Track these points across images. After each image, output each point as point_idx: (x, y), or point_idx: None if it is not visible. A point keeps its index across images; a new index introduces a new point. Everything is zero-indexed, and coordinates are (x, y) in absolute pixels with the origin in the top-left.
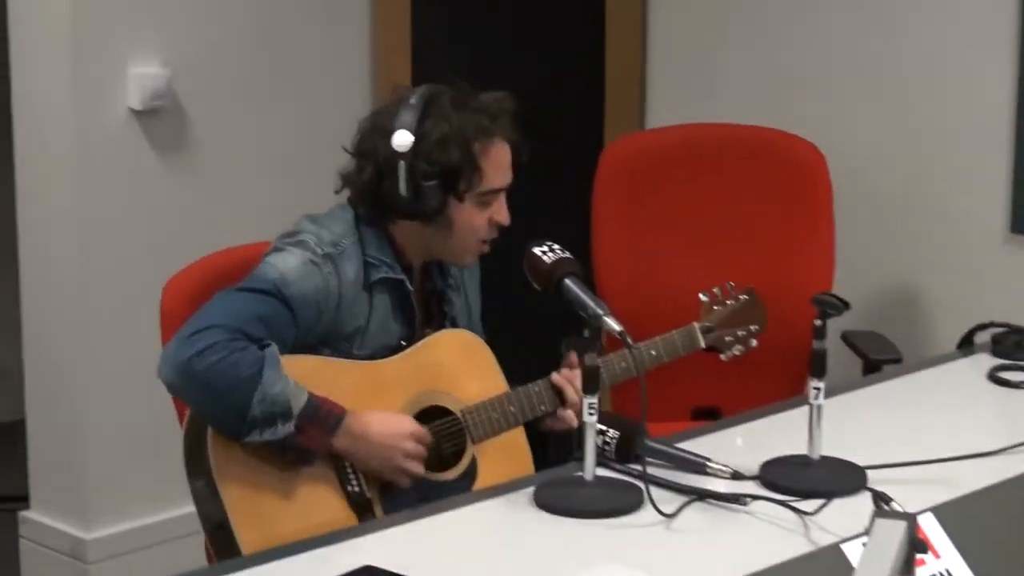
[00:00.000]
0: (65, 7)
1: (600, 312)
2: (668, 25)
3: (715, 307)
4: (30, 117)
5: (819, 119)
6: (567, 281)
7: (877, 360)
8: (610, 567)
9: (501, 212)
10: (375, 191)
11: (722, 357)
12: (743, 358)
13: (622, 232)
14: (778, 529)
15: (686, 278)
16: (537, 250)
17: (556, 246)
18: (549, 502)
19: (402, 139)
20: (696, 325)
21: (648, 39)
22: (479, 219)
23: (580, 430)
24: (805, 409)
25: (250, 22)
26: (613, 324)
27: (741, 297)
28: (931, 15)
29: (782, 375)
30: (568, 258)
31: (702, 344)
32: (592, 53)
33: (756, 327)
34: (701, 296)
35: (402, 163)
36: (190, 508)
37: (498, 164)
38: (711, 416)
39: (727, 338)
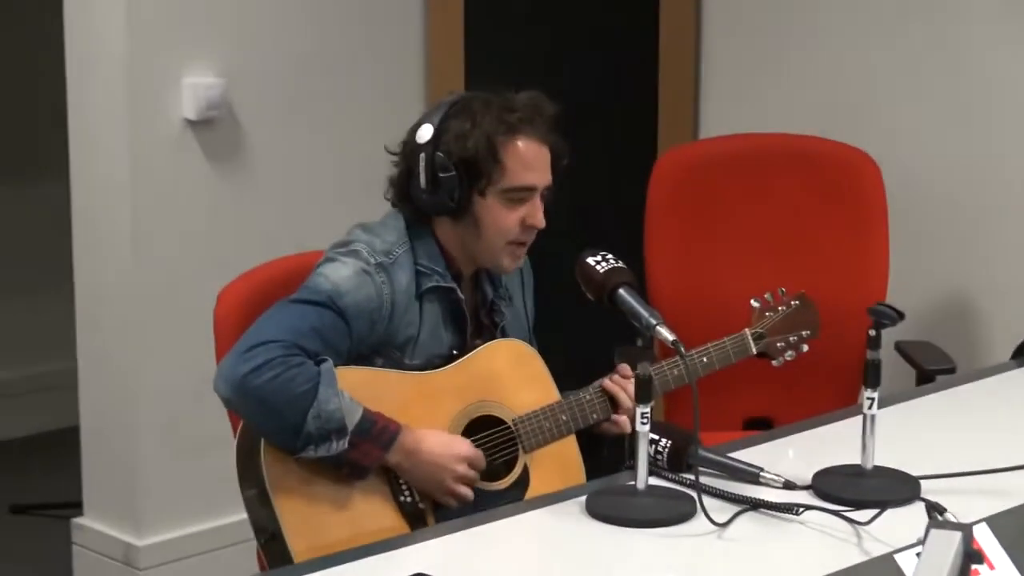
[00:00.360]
0: (120, 18)
1: (654, 322)
2: (722, 34)
3: (767, 313)
4: (86, 127)
5: (872, 128)
6: (621, 291)
7: (931, 370)
8: (665, 574)
9: (535, 214)
10: (406, 187)
11: (774, 363)
12: (796, 368)
13: (675, 241)
14: (831, 539)
15: (739, 287)
16: (590, 260)
17: (609, 255)
18: (601, 511)
19: (423, 132)
20: (748, 332)
21: (702, 48)
22: (508, 219)
23: (632, 439)
24: (857, 419)
25: (304, 32)
26: (666, 334)
27: (793, 303)
28: (984, 23)
29: (835, 385)
30: (621, 267)
31: (754, 350)
32: (645, 62)
33: (808, 332)
34: (753, 302)
35: (422, 155)
36: (242, 515)
37: (525, 162)
38: (763, 426)
39: (779, 344)
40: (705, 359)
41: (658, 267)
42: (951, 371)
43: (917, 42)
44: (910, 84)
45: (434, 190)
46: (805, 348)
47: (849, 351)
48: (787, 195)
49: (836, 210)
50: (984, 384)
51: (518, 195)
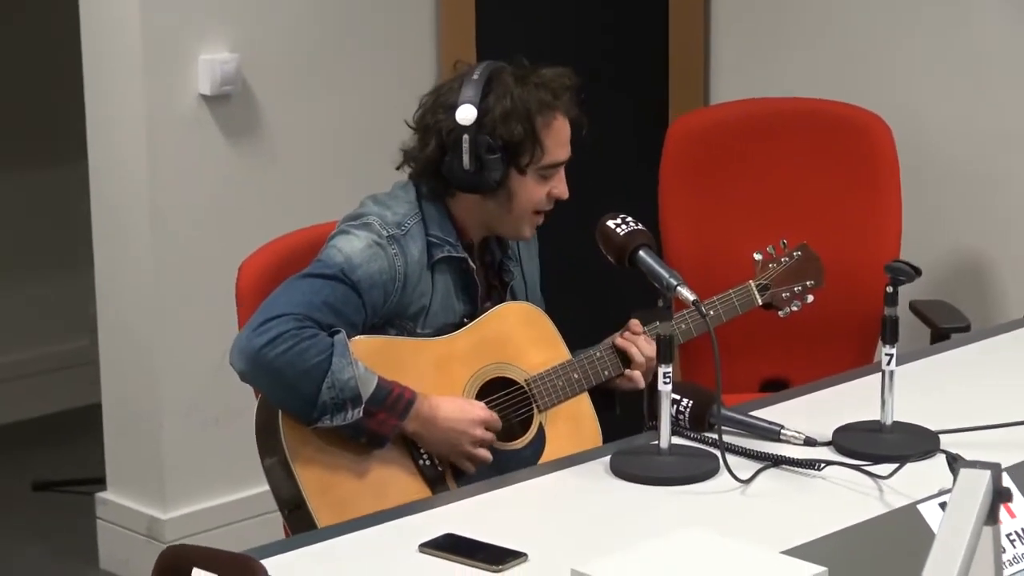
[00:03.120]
0: None
1: (674, 283)
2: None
3: (770, 264)
4: (102, 104)
5: (884, 90)
6: (641, 253)
7: (945, 328)
8: (691, 530)
9: (560, 186)
10: (437, 165)
11: (780, 314)
12: (811, 328)
13: (689, 206)
14: (853, 493)
15: (753, 250)
16: (611, 223)
17: (629, 218)
18: (626, 470)
19: (466, 113)
20: (752, 283)
21: (711, 13)
22: (538, 192)
23: (652, 397)
24: (873, 377)
25: (317, 7)
26: (687, 294)
27: (795, 253)
28: None
29: (850, 345)
30: (641, 230)
31: (759, 301)
32: (655, 28)
33: (812, 282)
34: (755, 255)
35: (466, 137)
36: (265, 487)
37: (559, 139)
38: (780, 387)
39: (784, 294)
40: (712, 312)
41: (673, 231)
42: (966, 329)
43: (931, 5)
44: (922, 46)
45: (478, 170)
46: (810, 299)
47: (863, 310)
48: (801, 158)
49: (848, 171)
50: (999, 341)
51: (553, 171)
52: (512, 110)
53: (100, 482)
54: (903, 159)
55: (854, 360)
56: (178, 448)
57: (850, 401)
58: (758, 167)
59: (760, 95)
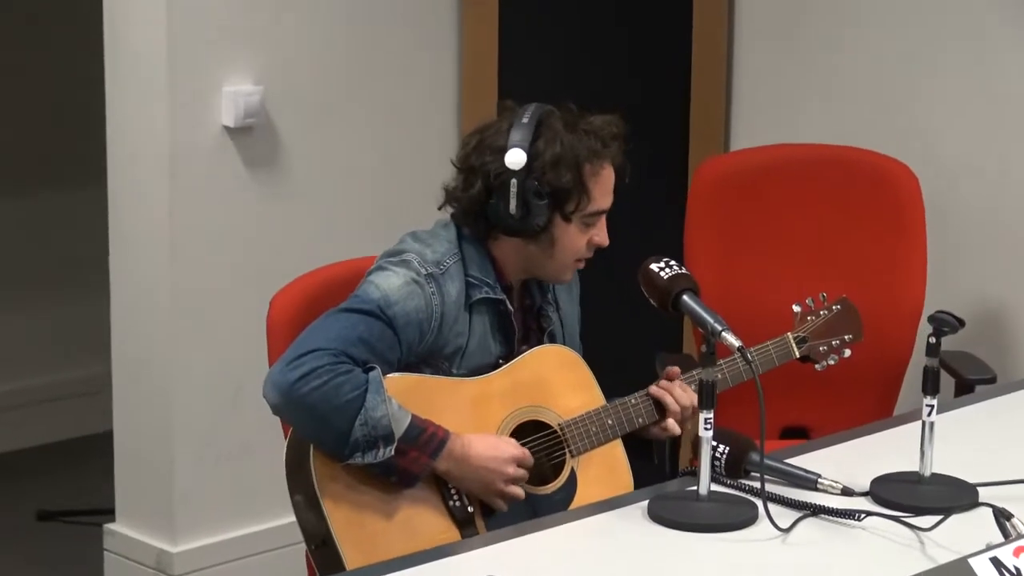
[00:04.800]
0: (161, 26)
1: (719, 328)
2: (754, 44)
3: (809, 317)
4: (125, 133)
5: (909, 137)
6: (685, 297)
7: (971, 380)
8: None
9: (602, 234)
10: (482, 207)
11: (817, 367)
12: (833, 377)
13: (714, 250)
14: (893, 545)
15: (778, 299)
16: (654, 266)
17: (673, 262)
18: (664, 515)
19: (516, 157)
20: (790, 335)
21: (734, 58)
22: (580, 240)
23: (674, 443)
24: (902, 428)
25: (340, 40)
26: (732, 340)
27: (835, 307)
28: (1021, 32)
29: (872, 395)
30: (685, 274)
31: (796, 354)
32: (678, 72)
33: (851, 336)
34: (795, 307)
35: (514, 181)
36: (276, 522)
37: (605, 187)
38: (800, 435)
39: (822, 348)
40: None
41: (698, 276)
42: (992, 381)
43: (953, 51)
44: (947, 92)
45: (524, 216)
46: (848, 353)
47: (887, 359)
48: (826, 205)
49: (874, 220)
50: None
51: (596, 219)
52: (562, 157)
53: (108, 512)
54: (928, 207)
55: (876, 408)
56: (189, 480)
57: (881, 451)
58: (783, 212)
59: (780, 141)
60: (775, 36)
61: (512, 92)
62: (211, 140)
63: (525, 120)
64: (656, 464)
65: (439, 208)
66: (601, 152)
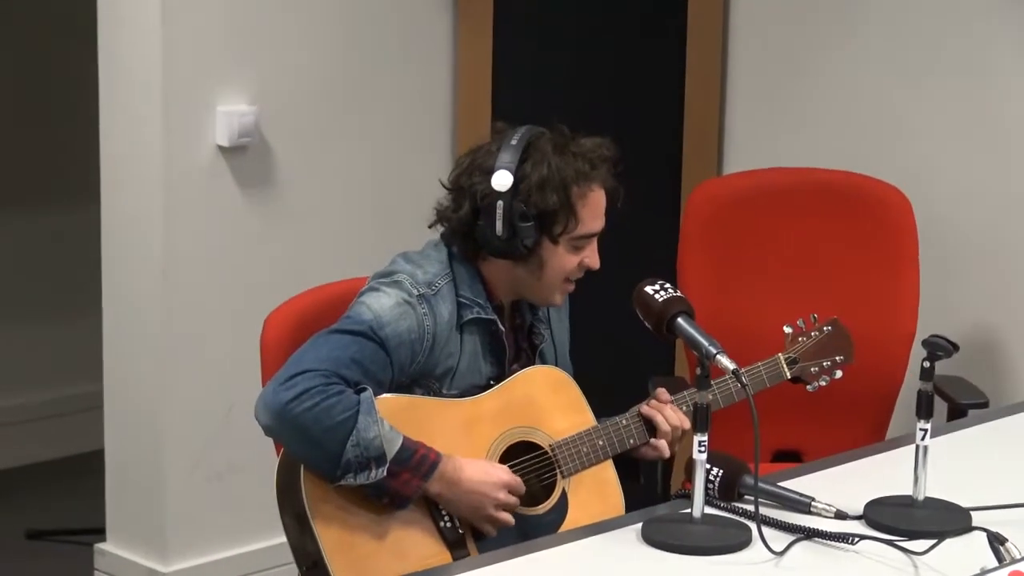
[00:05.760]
0: (156, 46)
1: (714, 351)
2: (747, 68)
3: (800, 338)
4: (119, 153)
5: (902, 162)
6: (680, 320)
7: (963, 404)
8: None
9: (593, 257)
10: (470, 228)
11: (808, 388)
12: (824, 400)
13: (707, 274)
14: (887, 568)
15: (771, 322)
16: (648, 289)
17: (668, 285)
18: (657, 538)
19: (502, 179)
20: (781, 356)
21: (727, 82)
22: (570, 262)
23: (667, 465)
24: (894, 452)
25: (335, 61)
26: (727, 362)
27: (825, 328)
28: (1016, 57)
29: (864, 419)
30: (679, 297)
31: (787, 375)
32: (671, 96)
33: (842, 357)
34: (785, 328)
35: (500, 203)
36: (268, 542)
37: (594, 210)
38: (792, 458)
39: (813, 369)
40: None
41: (691, 298)
42: (984, 405)
43: (946, 76)
44: (941, 117)
45: (510, 237)
46: (839, 374)
47: (879, 383)
48: (818, 229)
49: (867, 244)
50: (1020, 418)
51: (586, 241)
52: (548, 179)
53: (99, 532)
54: (920, 232)
55: (868, 433)
56: (181, 500)
57: (874, 475)
58: (777, 236)
59: (773, 164)
60: (768, 60)
61: (506, 113)
62: (205, 160)
63: (514, 142)
64: (642, 484)
65: (429, 227)
66: (589, 174)
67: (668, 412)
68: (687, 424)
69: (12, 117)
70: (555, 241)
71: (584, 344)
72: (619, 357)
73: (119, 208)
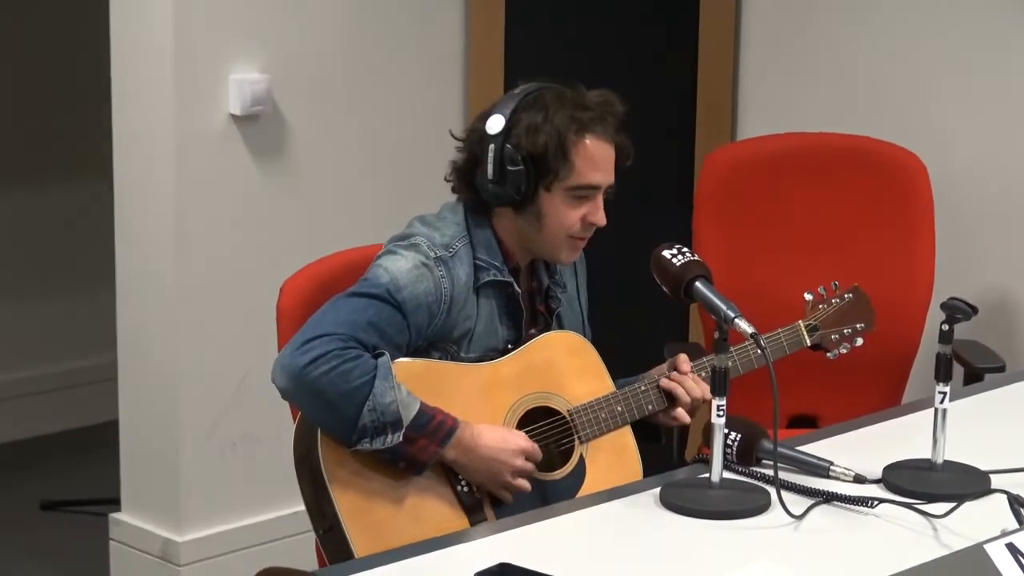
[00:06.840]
0: (167, 15)
1: (732, 315)
2: (761, 32)
3: (820, 305)
4: (131, 122)
5: (917, 126)
6: (697, 284)
7: (980, 368)
8: (761, 565)
9: (597, 213)
10: (471, 176)
11: (829, 355)
12: (841, 366)
13: (722, 239)
14: (906, 532)
15: (786, 288)
16: (666, 253)
17: (685, 249)
18: (676, 503)
19: (494, 123)
20: (801, 323)
21: (740, 48)
22: (570, 215)
23: (683, 432)
24: (912, 416)
25: (347, 29)
26: (745, 326)
27: (846, 295)
28: None
29: (880, 384)
30: (697, 261)
31: (807, 342)
32: (685, 60)
33: (863, 325)
34: (806, 295)
35: (492, 146)
36: (283, 511)
37: (593, 161)
38: (809, 424)
39: (833, 336)
40: (759, 351)
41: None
42: (1001, 369)
43: (964, 39)
44: (956, 82)
45: (500, 181)
46: (860, 341)
47: (895, 348)
48: (833, 193)
49: (883, 209)
50: None
51: (583, 193)
52: (540, 124)
53: (114, 502)
54: (937, 197)
55: (884, 397)
56: (195, 469)
57: (892, 439)
58: (791, 201)
59: (787, 130)
60: (783, 23)
61: (519, 70)
62: (218, 128)
63: (517, 91)
64: (663, 444)
65: (446, 179)
66: (586, 123)
67: (689, 384)
68: (708, 395)
69: (32, 90)
70: (548, 189)
71: (599, 310)
72: (634, 323)
73: (131, 179)
